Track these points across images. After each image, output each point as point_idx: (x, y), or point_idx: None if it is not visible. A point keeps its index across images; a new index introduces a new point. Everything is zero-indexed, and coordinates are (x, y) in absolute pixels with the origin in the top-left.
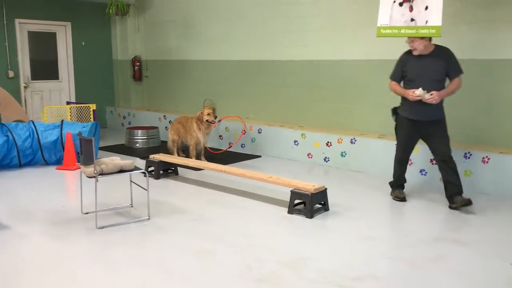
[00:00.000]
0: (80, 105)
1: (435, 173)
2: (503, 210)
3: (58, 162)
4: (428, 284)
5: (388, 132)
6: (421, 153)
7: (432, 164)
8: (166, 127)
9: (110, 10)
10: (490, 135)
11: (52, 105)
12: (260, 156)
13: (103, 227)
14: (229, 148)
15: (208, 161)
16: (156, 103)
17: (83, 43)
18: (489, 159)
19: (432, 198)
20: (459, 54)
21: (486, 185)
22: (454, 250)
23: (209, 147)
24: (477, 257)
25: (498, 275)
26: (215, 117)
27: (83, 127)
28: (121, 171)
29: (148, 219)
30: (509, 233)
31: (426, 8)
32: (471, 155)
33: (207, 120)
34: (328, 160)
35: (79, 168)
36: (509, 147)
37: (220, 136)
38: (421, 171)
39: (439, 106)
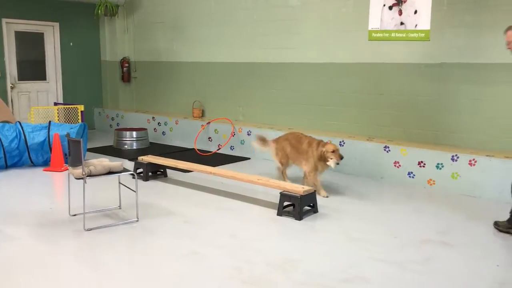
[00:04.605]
0: (67, 106)
1: (422, 175)
2: (489, 212)
3: (46, 163)
4: (416, 286)
5: (376, 135)
6: (409, 155)
7: (420, 166)
8: (154, 129)
9: (99, 11)
10: (477, 138)
11: (39, 106)
12: (249, 158)
13: (91, 229)
14: (218, 150)
15: (197, 163)
16: (144, 104)
17: (71, 44)
18: (476, 162)
19: (420, 200)
20: (446, 58)
21: (473, 188)
22: (442, 252)
23: (197, 149)
24: (464, 259)
25: (485, 277)
26: (342, 158)
27: (71, 128)
28: (110, 172)
29: (137, 221)
30: (495, 234)
31: (415, 12)
32: (458, 157)
33: (337, 164)
34: None
35: (67, 169)
36: (495, 150)
37: (209, 138)
38: (409, 173)
39: None
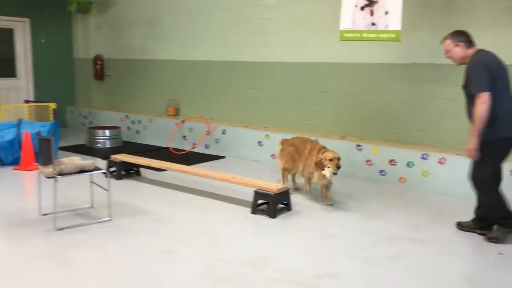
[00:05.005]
0: (39, 104)
1: (394, 173)
2: (459, 210)
3: (15, 162)
4: (387, 282)
5: (349, 134)
6: (381, 153)
7: (391, 164)
8: (128, 127)
9: (72, 8)
10: (447, 137)
11: (9, 103)
12: (224, 157)
13: (62, 229)
14: (192, 148)
15: (171, 161)
16: (118, 102)
17: (42, 41)
18: (445, 160)
19: (392, 198)
20: (417, 58)
21: (443, 185)
22: (411, 248)
23: (172, 148)
24: (432, 254)
25: (452, 272)
26: (339, 167)
27: (42, 127)
28: (81, 171)
29: (109, 220)
30: (462, 233)
31: (386, 13)
32: (428, 156)
33: (334, 173)
34: None
35: (38, 168)
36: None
37: (183, 136)
38: (380, 171)
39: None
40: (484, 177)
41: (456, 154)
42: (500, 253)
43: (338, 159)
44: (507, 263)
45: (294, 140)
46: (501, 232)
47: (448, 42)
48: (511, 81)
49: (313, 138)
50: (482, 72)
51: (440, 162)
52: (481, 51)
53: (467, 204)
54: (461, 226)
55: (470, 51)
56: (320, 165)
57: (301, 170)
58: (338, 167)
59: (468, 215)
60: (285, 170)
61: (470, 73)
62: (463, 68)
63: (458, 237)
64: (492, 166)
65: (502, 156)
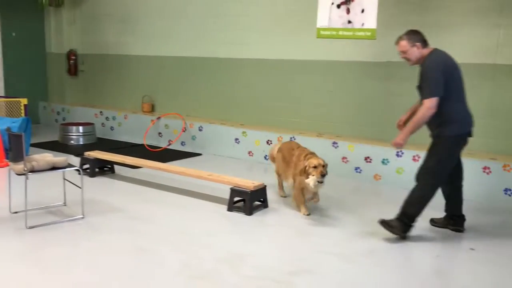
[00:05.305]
0: (9, 99)
1: (369, 170)
2: (432, 206)
3: None
4: (361, 277)
5: (325, 131)
6: (356, 151)
7: (367, 162)
8: (102, 124)
9: (44, 1)
10: (421, 135)
11: None
12: (201, 154)
13: (33, 227)
14: (168, 146)
15: (146, 159)
16: (92, 98)
17: (13, 34)
18: (419, 157)
19: (367, 195)
20: (392, 57)
21: None
22: (385, 245)
23: (147, 144)
24: (406, 250)
25: (426, 268)
26: (324, 175)
27: (13, 122)
28: (54, 168)
29: (82, 217)
30: (435, 229)
31: (363, 11)
32: (403, 153)
33: (319, 182)
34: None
35: (8, 165)
36: None
37: (159, 133)
38: (356, 168)
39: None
40: (428, 171)
41: None
42: (471, 249)
43: (323, 166)
44: (478, 258)
45: (282, 146)
46: (399, 229)
47: (405, 43)
48: (464, 81)
49: (289, 136)
50: (437, 75)
51: (414, 160)
52: (435, 51)
53: (440, 201)
54: (434, 222)
55: (425, 51)
56: (306, 173)
57: (292, 180)
58: (323, 175)
59: (441, 212)
60: (278, 176)
61: (425, 75)
62: None
63: (431, 233)
64: (439, 161)
65: (452, 153)
